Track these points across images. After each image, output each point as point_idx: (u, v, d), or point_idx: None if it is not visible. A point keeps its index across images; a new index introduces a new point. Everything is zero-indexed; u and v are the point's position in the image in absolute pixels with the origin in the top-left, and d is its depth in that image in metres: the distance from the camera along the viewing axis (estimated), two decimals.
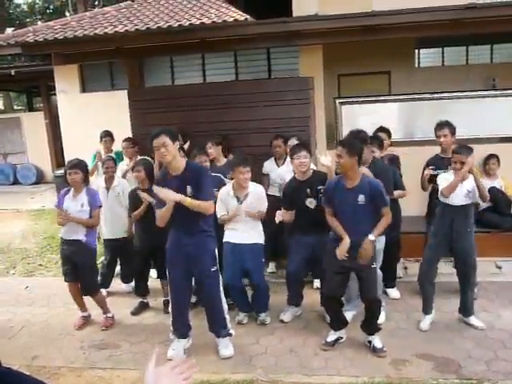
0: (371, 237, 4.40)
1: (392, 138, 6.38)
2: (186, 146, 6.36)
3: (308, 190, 5.12)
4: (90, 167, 6.88)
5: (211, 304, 4.77)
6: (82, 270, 5.42)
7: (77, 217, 5.27)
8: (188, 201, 4.35)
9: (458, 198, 4.83)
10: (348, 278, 4.69)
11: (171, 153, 4.37)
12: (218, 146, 6.21)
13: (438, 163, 5.50)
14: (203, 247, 4.57)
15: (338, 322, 4.85)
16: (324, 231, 4.98)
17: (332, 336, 4.83)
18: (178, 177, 4.48)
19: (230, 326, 4.84)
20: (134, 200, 5.74)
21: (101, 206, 5.54)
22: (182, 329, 4.84)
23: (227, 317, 4.83)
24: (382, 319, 5.14)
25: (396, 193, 5.40)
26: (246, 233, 5.26)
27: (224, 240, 5.36)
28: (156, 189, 4.39)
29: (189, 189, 4.46)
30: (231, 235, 5.33)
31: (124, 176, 6.62)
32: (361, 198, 4.42)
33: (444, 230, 4.97)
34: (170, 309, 4.90)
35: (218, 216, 5.24)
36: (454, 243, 4.96)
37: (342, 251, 4.47)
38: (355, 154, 4.39)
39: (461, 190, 4.84)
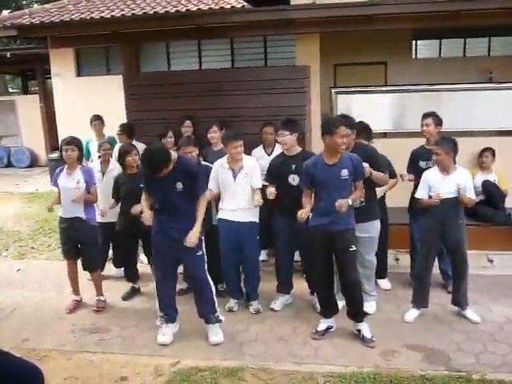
0: (349, 201, 4.47)
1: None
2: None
3: (293, 166, 5.11)
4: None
5: (198, 287, 4.81)
6: (83, 246, 5.46)
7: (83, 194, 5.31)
8: (197, 230, 4.60)
9: (446, 192, 4.84)
10: (331, 259, 4.69)
11: None
12: (221, 130, 6.18)
13: (423, 154, 5.56)
14: (188, 231, 4.58)
15: (330, 308, 4.83)
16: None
17: (323, 325, 4.83)
18: (167, 174, 4.50)
19: (219, 312, 4.86)
20: (117, 186, 5.75)
21: (95, 183, 5.57)
22: (170, 312, 4.86)
23: (215, 300, 4.84)
24: (372, 309, 5.18)
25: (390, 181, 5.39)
26: (240, 211, 5.26)
27: (219, 217, 5.39)
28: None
29: (179, 185, 4.54)
30: (226, 213, 5.33)
31: None
32: (344, 173, 4.47)
33: (435, 224, 4.98)
34: (155, 293, 4.90)
35: (210, 188, 5.24)
36: (446, 236, 4.98)
37: (302, 213, 4.57)
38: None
39: (448, 184, 4.86)
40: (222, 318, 4.88)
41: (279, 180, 5.19)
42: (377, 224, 5.09)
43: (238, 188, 5.25)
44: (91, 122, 7.36)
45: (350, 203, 4.48)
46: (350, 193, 4.55)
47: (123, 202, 5.69)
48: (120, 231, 5.77)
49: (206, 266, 4.81)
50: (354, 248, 4.61)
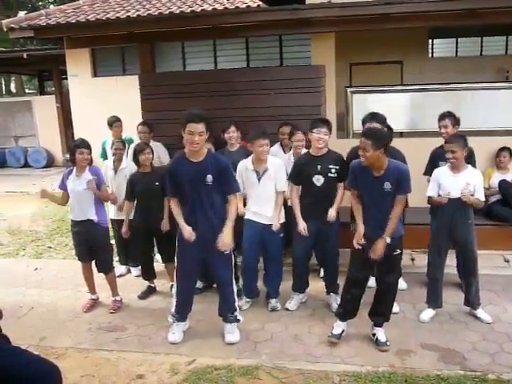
0: (387, 239, 4.34)
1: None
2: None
3: (319, 167, 5.05)
4: (98, 154, 6.95)
5: (224, 287, 4.78)
6: (96, 249, 5.47)
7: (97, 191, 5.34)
8: (230, 231, 4.52)
9: (456, 191, 4.81)
10: (372, 269, 4.64)
11: (202, 142, 4.40)
12: (238, 130, 6.20)
13: (443, 154, 5.47)
14: (219, 230, 4.52)
15: (351, 312, 4.74)
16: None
17: (338, 328, 4.73)
18: (198, 164, 4.45)
19: (238, 312, 4.86)
20: (131, 186, 5.77)
21: (106, 184, 5.61)
22: (184, 312, 4.87)
23: (236, 299, 4.86)
24: (397, 308, 5.14)
25: None
26: (266, 213, 5.26)
27: (246, 217, 5.36)
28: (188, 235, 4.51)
29: (209, 178, 4.44)
30: (251, 215, 5.33)
31: None
32: (387, 185, 4.31)
33: (445, 223, 4.96)
34: (173, 292, 4.90)
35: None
36: (455, 235, 4.95)
37: (356, 240, 4.47)
38: (381, 145, 4.20)
39: (458, 183, 4.82)
40: (240, 318, 4.87)
41: (303, 180, 5.16)
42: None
43: (262, 190, 5.23)
44: (111, 124, 7.25)
45: (389, 241, 4.36)
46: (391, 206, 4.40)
47: (138, 200, 5.75)
48: (136, 229, 5.81)
49: (232, 265, 4.80)
50: (399, 251, 4.52)
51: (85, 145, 5.31)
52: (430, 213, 5.40)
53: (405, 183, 4.36)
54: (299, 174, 5.19)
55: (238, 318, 4.84)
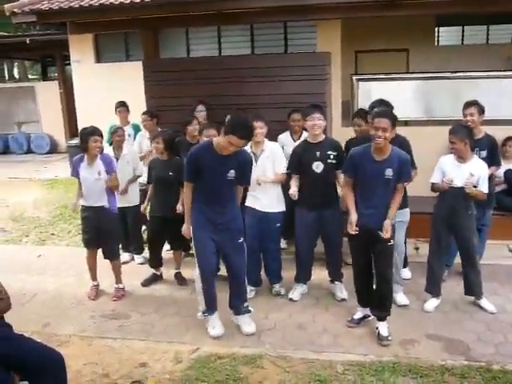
0: (388, 221, 4.33)
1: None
2: None
3: (317, 153, 5.03)
4: (105, 138, 6.91)
5: (237, 277, 4.74)
6: (105, 235, 5.46)
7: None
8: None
9: (459, 180, 4.78)
10: (371, 254, 4.59)
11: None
12: None
13: None
14: (233, 219, 4.55)
15: (368, 300, 4.73)
16: (331, 204, 5.06)
17: (360, 313, 4.78)
18: (224, 158, 4.40)
19: (248, 302, 4.83)
20: (151, 170, 5.84)
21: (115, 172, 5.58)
22: (214, 305, 4.76)
23: (248, 290, 4.86)
24: (405, 301, 5.16)
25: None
26: (266, 200, 5.26)
27: (246, 204, 5.34)
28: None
29: (232, 173, 4.45)
30: (252, 201, 5.32)
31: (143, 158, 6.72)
32: (388, 172, 4.29)
33: (444, 211, 4.94)
34: (197, 286, 4.77)
35: None
36: (453, 224, 4.93)
37: (350, 227, 4.44)
38: (395, 124, 4.26)
39: (462, 172, 4.79)
40: (251, 308, 4.82)
41: (303, 168, 5.12)
42: (407, 211, 5.11)
43: (259, 171, 5.19)
44: (116, 109, 7.39)
45: (390, 224, 4.35)
46: (393, 194, 4.42)
47: (154, 186, 5.81)
48: (153, 216, 5.86)
49: (246, 254, 4.76)
50: (392, 242, 4.49)
51: (98, 132, 5.29)
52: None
53: (407, 171, 4.39)
54: (298, 162, 5.16)
55: (249, 308, 4.80)
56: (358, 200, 4.53)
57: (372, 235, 4.41)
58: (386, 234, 4.31)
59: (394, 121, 4.25)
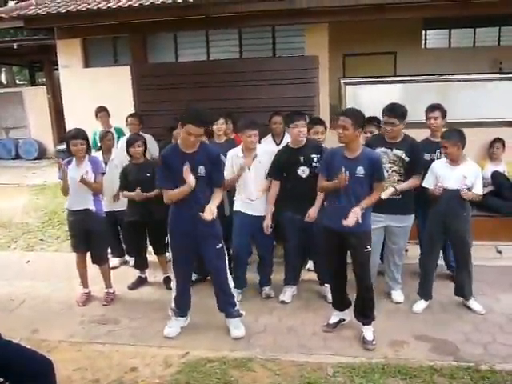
0: (357, 208, 4.24)
1: None
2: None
3: (301, 158, 5.05)
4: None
5: (220, 279, 4.73)
6: (93, 238, 5.42)
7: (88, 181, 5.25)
8: (214, 205, 4.39)
9: (452, 183, 4.81)
10: (345, 258, 4.61)
11: (196, 142, 4.38)
12: (227, 122, 6.13)
13: (427, 146, 5.42)
14: (211, 225, 4.47)
15: (343, 303, 4.77)
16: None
17: (335, 317, 4.79)
18: (190, 155, 4.39)
19: (238, 305, 4.83)
20: (124, 177, 5.74)
21: (104, 173, 5.53)
22: (183, 307, 4.83)
23: (235, 294, 4.84)
24: (402, 298, 5.24)
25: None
26: (259, 204, 5.27)
27: (235, 209, 5.37)
28: (186, 171, 4.27)
29: (201, 169, 4.42)
30: (242, 205, 5.32)
31: None
32: (359, 170, 4.30)
33: (439, 213, 4.95)
34: (172, 286, 4.85)
35: (226, 178, 4.94)
36: (450, 226, 4.94)
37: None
38: (359, 125, 4.30)
39: (455, 175, 4.82)
40: (242, 312, 4.82)
41: (288, 173, 5.13)
42: (411, 217, 5.12)
43: (251, 176, 5.22)
44: (96, 114, 7.42)
45: (358, 209, 4.25)
46: (367, 194, 4.38)
47: (130, 191, 5.68)
48: (129, 220, 5.78)
49: (226, 258, 4.75)
50: (369, 249, 4.46)
51: (79, 136, 5.25)
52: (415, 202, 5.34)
53: (380, 170, 4.42)
54: (282, 168, 5.17)
55: (240, 312, 4.80)
56: (329, 200, 4.57)
57: (343, 238, 4.41)
58: (347, 220, 4.20)
59: (358, 120, 4.29)
